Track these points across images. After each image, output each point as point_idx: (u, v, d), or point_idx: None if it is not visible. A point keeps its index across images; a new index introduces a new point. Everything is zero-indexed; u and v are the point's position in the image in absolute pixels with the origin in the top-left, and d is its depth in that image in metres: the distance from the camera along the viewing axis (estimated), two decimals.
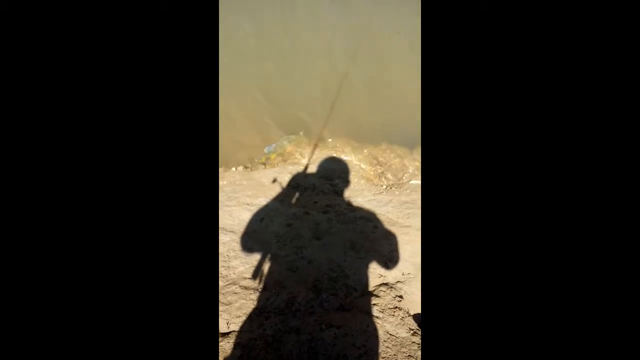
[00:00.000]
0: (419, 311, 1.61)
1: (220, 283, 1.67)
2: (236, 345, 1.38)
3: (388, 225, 2.10)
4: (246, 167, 2.78)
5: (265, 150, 2.91)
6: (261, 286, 1.65)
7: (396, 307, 1.60)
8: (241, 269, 1.75)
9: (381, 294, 1.66)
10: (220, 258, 1.81)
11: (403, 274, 1.79)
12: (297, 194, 2.43)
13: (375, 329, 1.47)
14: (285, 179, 2.58)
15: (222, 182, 2.52)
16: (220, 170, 2.73)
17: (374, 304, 1.59)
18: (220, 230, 2.00)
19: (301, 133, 3.02)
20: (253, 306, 1.55)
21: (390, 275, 1.77)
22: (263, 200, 2.31)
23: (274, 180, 2.53)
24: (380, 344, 1.42)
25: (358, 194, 2.51)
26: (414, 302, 1.65)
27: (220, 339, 1.43)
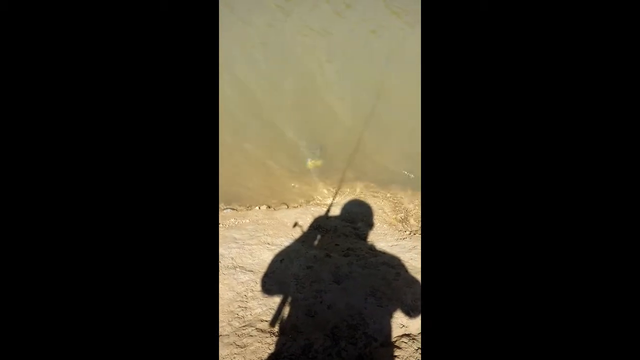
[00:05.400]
0: None
1: (237, 324, 1.63)
2: None
3: (412, 273, 2.03)
4: (269, 207, 2.81)
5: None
6: (278, 330, 1.60)
7: None
8: (258, 310, 1.71)
9: (402, 345, 1.56)
10: (238, 298, 1.78)
11: None
12: (318, 236, 2.41)
13: None
14: (307, 220, 2.58)
15: (244, 220, 2.54)
16: (244, 208, 2.76)
17: (395, 356, 1.50)
18: (239, 269, 1.99)
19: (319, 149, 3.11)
20: (269, 351, 1.49)
21: (413, 326, 1.67)
22: (284, 241, 2.30)
23: (296, 223, 2.53)
24: None
25: (381, 239, 2.46)
26: None
27: None
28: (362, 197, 2.94)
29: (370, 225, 2.64)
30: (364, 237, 2.48)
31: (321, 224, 2.54)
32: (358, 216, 2.72)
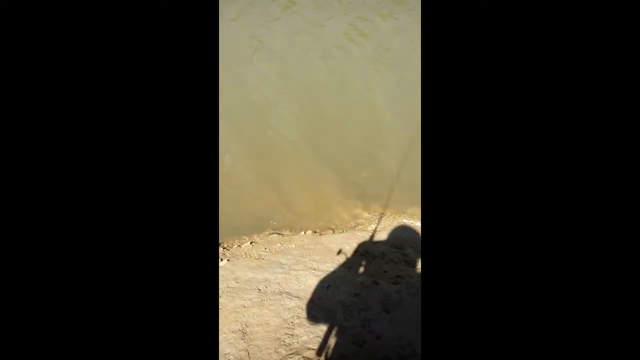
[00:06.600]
0: None
1: (283, 352, 1.60)
2: None
3: None
4: (314, 232, 2.80)
5: None
6: (325, 359, 1.54)
7: None
8: (305, 338, 1.67)
9: None
10: (285, 325, 1.76)
11: None
12: (364, 262, 2.34)
13: None
14: (353, 245, 2.53)
15: (290, 245, 2.55)
16: (289, 233, 2.77)
17: None
18: (286, 295, 1.97)
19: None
20: None
21: None
22: (330, 266, 2.26)
23: (341, 250, 2.49)
24: None
25: None
26: None
27: None
28: (410, 222, 2.84)
29: (419, 251, 2.53)
30: (413, 264, 2.38)
31: (368, 250, 2.47)
32: (407, 242, 2.62)
